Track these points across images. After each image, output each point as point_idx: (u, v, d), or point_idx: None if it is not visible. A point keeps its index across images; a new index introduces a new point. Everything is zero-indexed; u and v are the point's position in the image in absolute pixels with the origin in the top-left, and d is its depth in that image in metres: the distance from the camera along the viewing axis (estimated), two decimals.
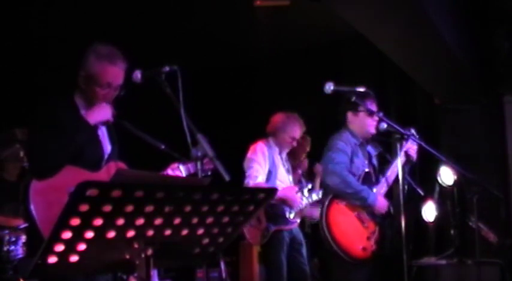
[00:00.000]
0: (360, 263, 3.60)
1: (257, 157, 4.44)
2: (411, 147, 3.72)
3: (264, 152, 4.47)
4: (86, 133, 2.64)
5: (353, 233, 3.62)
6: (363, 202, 3.65)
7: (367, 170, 3.76)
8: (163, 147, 3.16)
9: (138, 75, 2.60)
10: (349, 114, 3.81)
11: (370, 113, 3.68)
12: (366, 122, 3.76)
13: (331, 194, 3.70)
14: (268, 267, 4.51)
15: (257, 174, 4.39)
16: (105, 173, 2.66)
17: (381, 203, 3.68)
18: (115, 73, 2.68)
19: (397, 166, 3.55)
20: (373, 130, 3.77)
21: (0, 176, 4.59)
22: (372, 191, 3.70)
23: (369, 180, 3.74)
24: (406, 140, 3.63)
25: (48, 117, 2.60)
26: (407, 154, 3.73)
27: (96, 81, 2.65)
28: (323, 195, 3.97)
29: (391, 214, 3.75)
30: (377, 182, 3.78)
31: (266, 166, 4.45)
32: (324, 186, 3.89)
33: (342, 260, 3.58)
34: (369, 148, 3.91)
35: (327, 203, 3.67)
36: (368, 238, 3.63)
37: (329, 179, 3.68)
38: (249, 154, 4.52)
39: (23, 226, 3.92)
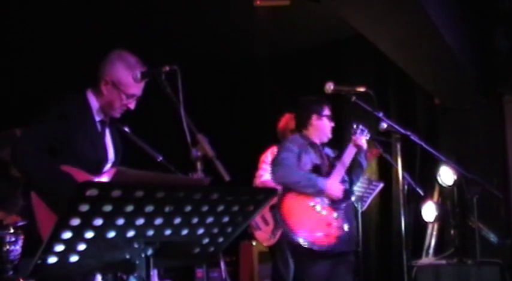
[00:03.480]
0: (326, 250, 3.53)
1: (266, 158, 4.76)
2: (359, 138, 3.83)
3: (273, 152, 4.66)
4: (92, 136, 2.65)
5: (310, 221, 3.56)
6: (313, 188, 3.61)
7: (317, 163, 3.77)
8: (160, 159, 3.16)
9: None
10: (314, 117, 3.84)
11: (331, 119, 3.85)
12: (326, 125, 3.85)
13: (284, 188, 3.68)
14: (273, 266, 4.61)
15: (263, 173, 4.69)
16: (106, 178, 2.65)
17: (334, 188, 3.65)
18: (141, 86, 2.70)
19: (351, 152, 3.74)
20: (330, 134, 3.88)
21: (8, 172, 4.60)
22: (320, 178, 3.68)
23: (319, 171, 3.74)
24: (355, 133, 3.82)
25: (54, 120, 2.54)
26: (356, 144, 3.81)
27: (123, 90, 2.66)
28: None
29: (349, 198, 3.77)
30: (329, 174, 3.76)
31: None
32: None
33: (303, 253, 3.55)
34: (327, 151, 3.94)
35: (280, 196, 3.64)
36: (328, 225, 3.57)
37: (276, 171, 3.70)
38: (261, 157, 4.86)
39: (20, 223, 3.93)
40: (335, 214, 3.62)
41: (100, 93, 2.69)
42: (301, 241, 3.48)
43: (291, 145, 3.76)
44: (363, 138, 3.84)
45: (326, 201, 3.65)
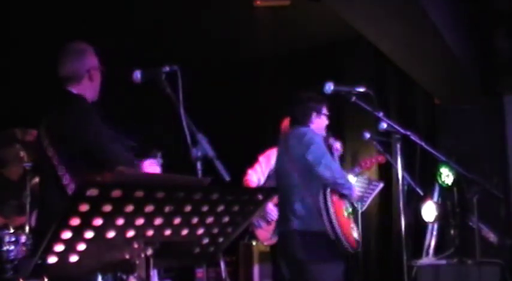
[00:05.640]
0: (351, 254, 3.58)
1: (262, 158, 4.85)
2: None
3: (270, 154, 4.77)
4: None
5: (347, 224, 3.57)
6: (349, 191, 3.62)
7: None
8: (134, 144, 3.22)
9: (138, 75, 2.62)
10: (314, 115, 3.79)
11: (328, 117, 3.84)
12: (323, 124, 3.84)
13: (327, 186, 3.58)
14: (274, 266, 4.63)
15: (251, 172, 4.80)
16: None
17: (355, 192, 3.72)
18: None
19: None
20: (324, 132, 3.89)
21: (1, 174, 4.60)
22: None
23: None
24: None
25: (94, 118, 2.73)
26: None
27: (100, 71, 2.96)
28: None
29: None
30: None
31: (267, 166, 4.80)
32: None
33: (333, 255, 3.51)
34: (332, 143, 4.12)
35: (327, 194, 3.54)
36: (352, 228, 3.60)
37: (323, 171, 3.56)
38: (260, 157, 4.93)
39: (26, 225, 3.94)
40: (352, 217, 3.68)
41: (87, 85, 2.89)
42: (345, 243, 3.46)
43: (319, 139, 3.67)
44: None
45: (348, 204, 3.67)
